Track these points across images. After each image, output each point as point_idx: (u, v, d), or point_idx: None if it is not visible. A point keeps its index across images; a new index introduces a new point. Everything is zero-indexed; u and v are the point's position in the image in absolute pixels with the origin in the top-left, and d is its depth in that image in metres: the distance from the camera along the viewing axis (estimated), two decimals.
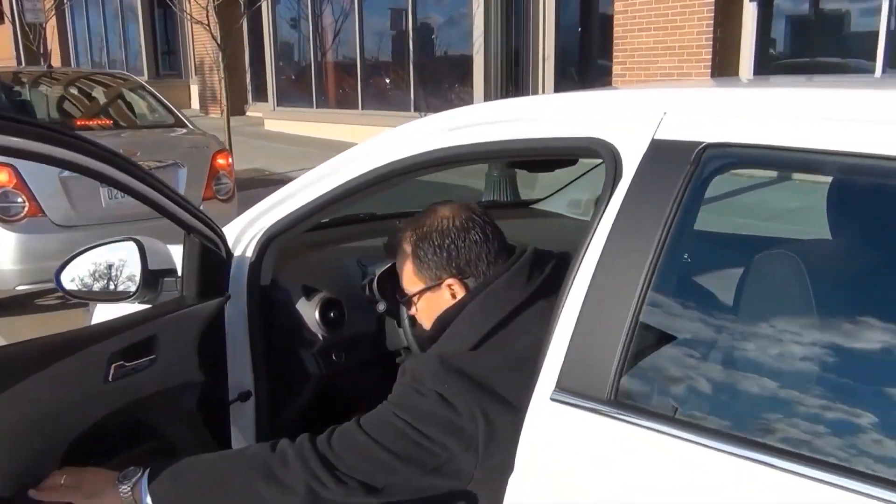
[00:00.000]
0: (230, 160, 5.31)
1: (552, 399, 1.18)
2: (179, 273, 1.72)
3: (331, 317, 1.95)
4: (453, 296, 1.47)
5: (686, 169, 1.13)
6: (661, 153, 1.17)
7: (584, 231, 1.23)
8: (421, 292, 1.52)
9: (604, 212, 1.20)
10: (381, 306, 1.96)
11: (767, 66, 8.60)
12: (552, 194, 3.02)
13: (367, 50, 13.09)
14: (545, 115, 1.37)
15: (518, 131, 1.39)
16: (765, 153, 1.09)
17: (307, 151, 11.32)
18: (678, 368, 1.15)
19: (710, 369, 1.15)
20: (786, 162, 1.15)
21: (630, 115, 1.24)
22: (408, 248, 1.52)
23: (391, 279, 2.06)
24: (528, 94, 5.36)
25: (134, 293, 1.69)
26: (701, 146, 1.13)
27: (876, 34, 7.61)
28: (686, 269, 1.22)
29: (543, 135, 1.35)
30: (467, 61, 11.11)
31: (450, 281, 1.48)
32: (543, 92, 10.29)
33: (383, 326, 2.05)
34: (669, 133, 1.17)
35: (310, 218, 1.78)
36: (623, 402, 1.12)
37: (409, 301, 1.57)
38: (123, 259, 1.66)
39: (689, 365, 1.15)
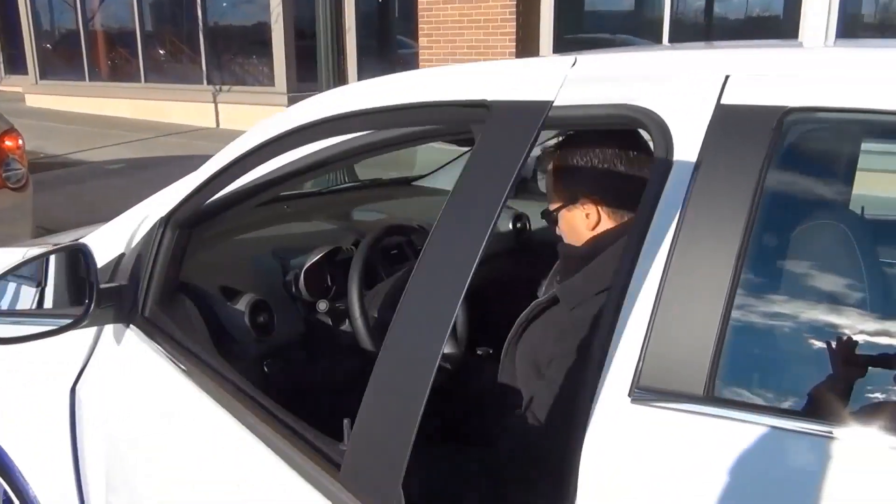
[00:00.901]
0: (20, 142, 4.54)
1: (634, 400, 1.04)
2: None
3: (260, 322, 1.66)
4: (593, 217, 1.40)
5: (768, 138, 1.03)
6: (731, 121, 1.05)
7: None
8: (558, 209, 1.46)
9: (660, 192, 1.06)
10: (323, 305, 1.71)
11: (564, 40, 9.01)
12: (436, 170, 2.87)
13: (148, 14, 11.96)
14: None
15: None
16: (860, 118, 1.01)
17: (87, 130, 10.15)
18: (777, 359, 1.07)
19: (813, 357, 1.07)
20: (886, 128, 1.08)
21: (680, 78, 1.12)
22: (554, 163, 1.46)
23: (321, 272, 1.80)
24: (324, 67, 5.04)
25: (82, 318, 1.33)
26: (784, 111, 1.03)
27: (662, 17, 8.23)
28: (779, 250, 1.13)
29: (567, 103, 1.19)
30: (265, 30, 10.51)
31: (588, 204, 1.41)
32: (344, 66, 10.02)
33: (316, 328, 1.79)
34: (739, 97, 1.06)
35: (242, 203, 1.49)
36: (722, 398, 1.01)
37: (552, 216, 1.50)
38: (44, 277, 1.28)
39: (789, 354, 1.07)
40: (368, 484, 1.01)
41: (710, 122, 1.06)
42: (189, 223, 1.50)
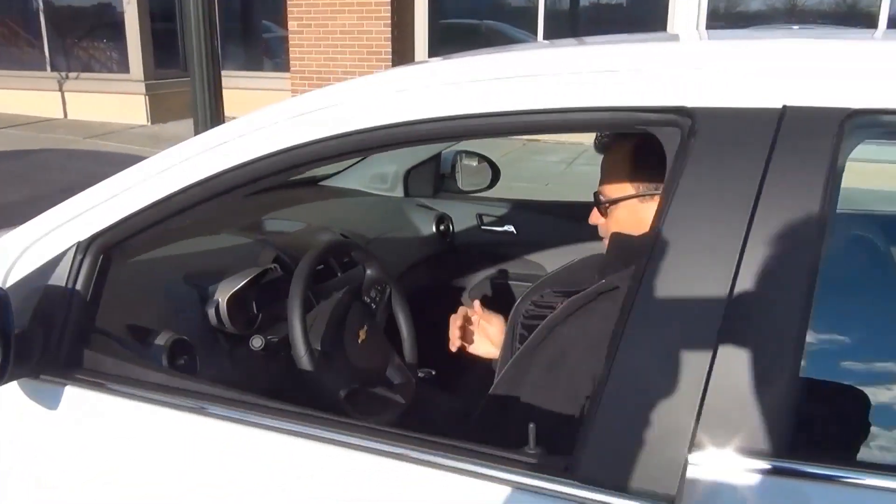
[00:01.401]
0: None
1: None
2: None
3: (180, 364, 1.38)
4: None
5: (830, 144, 0.88)
6: (788, 124, 0.90)
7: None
8: (627, 198, 1.28)
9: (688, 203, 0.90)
10: (257, 342, 1.44)
11: (439, 25, 8.86)
12: (345, 169, 2.62)
13: None
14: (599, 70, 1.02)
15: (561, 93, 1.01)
16: None
17: None
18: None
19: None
20: None
21: (722, 74, 0.95)
22: (629, 146, 1.27)
23: (245, 299, 1.53)
24: (196, 53, 4.55)
25: None
26: (846, 113, 0.89)
27: (536, 5, 8.24)
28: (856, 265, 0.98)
29: (605, 103, 1.00)
30: (117, 14, 9.67)
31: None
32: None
33: (246, 366, 1.52)
34: (794, 97, 0.91)
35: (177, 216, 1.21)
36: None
37: (602, 205, 1.32)
38: None
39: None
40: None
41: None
42: (117, 247, 1.22)
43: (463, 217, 2.51)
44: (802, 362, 0.85)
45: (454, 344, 1.60)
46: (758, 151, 0.90)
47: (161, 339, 1.36)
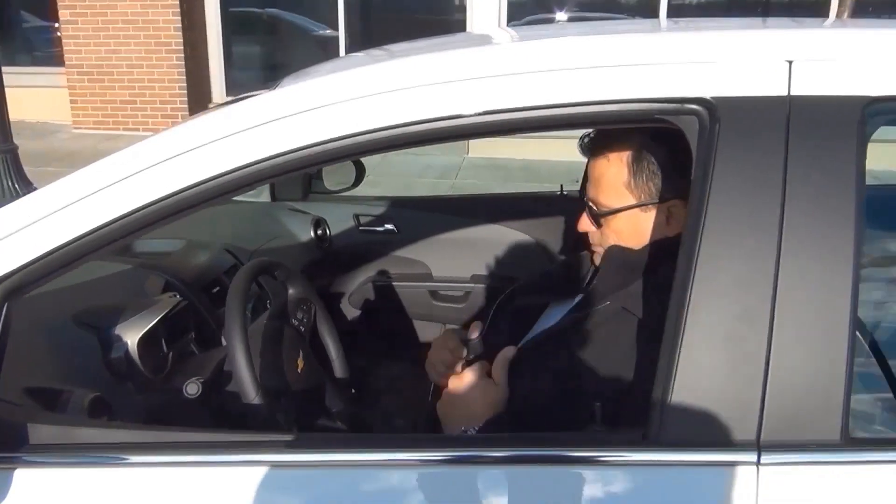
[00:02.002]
0: None
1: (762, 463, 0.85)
2: None
3: None
4: (673, 220, 1.16)
5: (854, 133, 0.90)
6: (810, 115, 0.90)
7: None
8: (627, 208, 1.18)
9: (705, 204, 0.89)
10: (193, 388, 1.23)
11: (230, 14, 8.39)
12: None
13: None
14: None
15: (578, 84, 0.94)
16: None
17: None
18: None
19: None
20: None
21: (734, 66, 0.93)
22: (628, 150, 1.16)
23: (158, 337, 1.32)
24: None
25: None
26: (866, 101, 0.90)
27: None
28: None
29: (613, 95, 0.94)
30: None
31: (675, 202, 1.15)
32: None
33: (169, 415, 1.30)
34: (810, 87, 0.91)
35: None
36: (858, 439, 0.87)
37: (599, 216, 1.21)
38: None
39: None
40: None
41: (787, 116, 0.90)
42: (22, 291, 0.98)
43: (339, 219, 2.36)
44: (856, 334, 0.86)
45: (439, 376, 1.36)
46: (779, 136, 0.89)
47: (73, 400, 1.12)
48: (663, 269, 1.08)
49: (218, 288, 1.67)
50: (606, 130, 1.21)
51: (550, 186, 2.47)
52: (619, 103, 0.95)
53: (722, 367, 0.88)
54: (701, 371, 0.88)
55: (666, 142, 1.11)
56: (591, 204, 1.23)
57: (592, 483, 0.89)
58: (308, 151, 0.95)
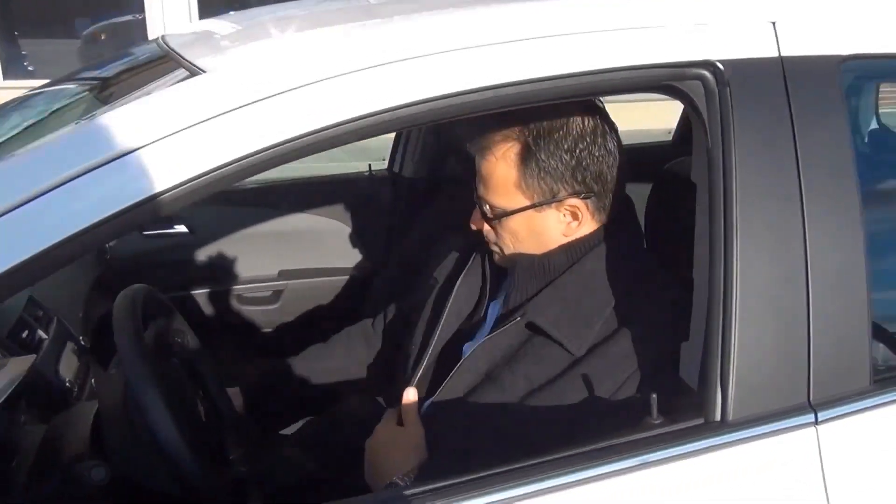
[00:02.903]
0: None
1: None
2: None
3: None
4: (573, 220, 1.08)
5: (834, 89, 0.93)
6: (797, 74, 0.92)
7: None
8: (522, 210, 1.07)
9: (728, 173, 0.88)
10: (100, 473, 0.90)
11: None
12: None
13: None
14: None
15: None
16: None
17: None
18: None
19: None
20: None
21: (721, 28, 0.91)
22: (515, 148, 1.06)
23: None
24: None
25: None
26: (839, 59, 0.94)
27: None
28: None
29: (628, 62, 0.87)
30: None
31: (573, 201, 1.06)
32: None
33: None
34: (795, 48, 0.93)
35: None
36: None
37: (493, 219, 1.11)
38: None
39: None
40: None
41: (781, 76, 0.91)
42: None
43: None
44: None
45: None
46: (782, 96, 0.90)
47: None
48: (572, 274, 1.06)
49: (27, 331, 1.28)
50: (491, 127, 1.09)
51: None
52: (627, 70, 0.88)
53: (771, 337, 0.86)
54: (754, 344, 0.86)
55: (555, 137, 1.05)
56: (482, 202, 1.12)
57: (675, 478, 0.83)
58: None
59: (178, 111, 0.76)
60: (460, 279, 1.23)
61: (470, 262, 1.24)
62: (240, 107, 0.76)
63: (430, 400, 1.12)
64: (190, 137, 0.75)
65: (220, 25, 1.22)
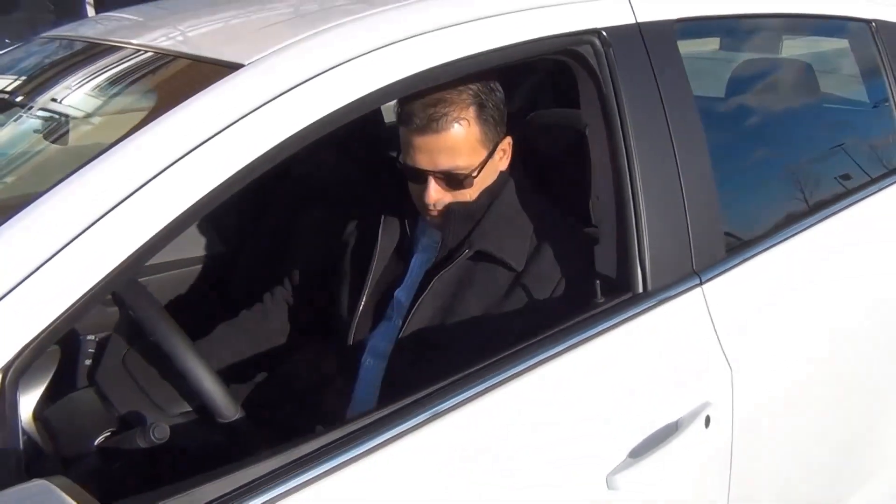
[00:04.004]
0: None
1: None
2: None
3: None
4: (504, 156, 1.33)
5: (672, 42, 1.28)
6: (649, 33, 1.25)
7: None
8: (488, 159, 1.28)
9: (622, 111, 1.19)
10: (161, 431, 1.00)
11: None
12: None
13: None
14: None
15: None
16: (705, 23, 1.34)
17: None
18: None
19: None
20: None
21: (599, 5, 1.21)
22: (473, 107, 1.23)
23: None
24: None
25: None
26: (673, 21, 1.29)
27: None
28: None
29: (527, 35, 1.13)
30: None
31: (507, 139, 1.32)
32: None
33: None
34: (645, 16, 1.25)
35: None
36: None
37: (463, 181, 1.26)
38: None
39: None
40: None
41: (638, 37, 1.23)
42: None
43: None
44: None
45: None
46: (643, 54, 1.23)
47: None
48: (499, 202, 1.30)
49: None
50: (446, 102, 1.22)
51: None
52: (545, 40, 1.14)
53: (666, 229, 1.19)
54: (656, 235, 1.18)
55: (492, 86, 1.28)
56: (448, 173, 1.26)
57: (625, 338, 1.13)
58: None
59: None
60: (379, 239, 1.40)
61: (382, 225, 1.42)
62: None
63: (398, 336, 1.30)
64: (239, 128, 0.88)
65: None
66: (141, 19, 1.44)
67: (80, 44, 1.37)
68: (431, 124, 1.22)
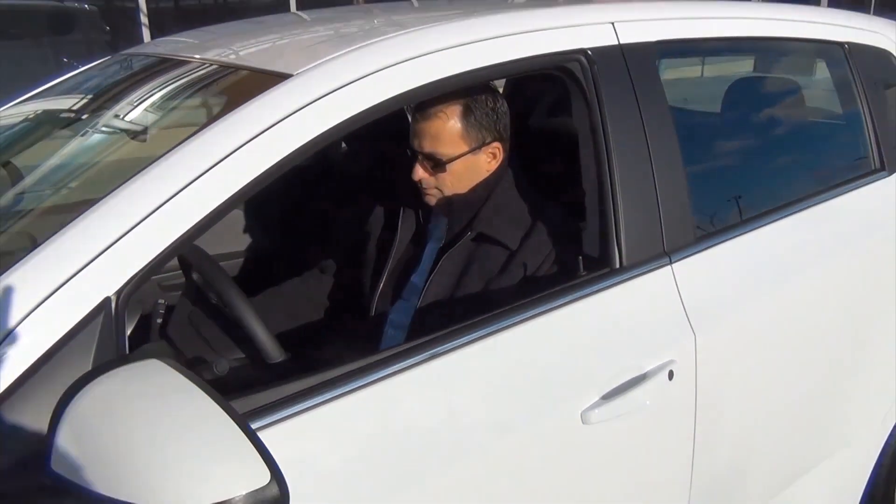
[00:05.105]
0: None
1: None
2: None
3: None
4: (493, 159, 1.58)
5: (652, 62, 1.52)
6: (630, 53, 1.48)
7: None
8: (465, 154, 1.53)
9: (604, 118, 1.43)
10: (223, 366, 1.26)
11: None
12: None
13: None
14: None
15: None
16: (684, 45, 1.57)
17: None
18: None
19: None
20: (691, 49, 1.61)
21: (586, 29, 1.45)
22: (458, 109, 1.52)
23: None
24: None
25: None
26: (652, 43, 1.52)
27: None
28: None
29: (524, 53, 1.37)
30: None
31: (495, 144, 1.57)
32: None
33: None
34: (627, 38, 1.49)
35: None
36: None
37: (442, 163, 1.53)
38: None
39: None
40: None
41: (620, 57, 1.47)
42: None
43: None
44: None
45: None
46: (624, 69, 1.46)
47: None
48: (496, 194, 1.56)
49: None
50: (440, 100, 1.49)
51: None
52: (540, 57, 1.39)
53: (640, 214, 1.42)
54: (632, 219, 1.41)
55: (484, 98, 1.55)
56: (430, 155, 1.54)
57: (604, 305, 1.36)
58: None
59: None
60: (399, 230, 1.68)
61: (402, 215, 1.70)
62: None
63: (416, 307, 1.55)
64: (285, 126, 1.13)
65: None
66: (206, 40, 1.73)
67: (156, 59, 1.65)
68: (424, 113, 1.53)
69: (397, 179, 1.73)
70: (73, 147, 1.59)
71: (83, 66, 1.81)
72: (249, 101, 1.12)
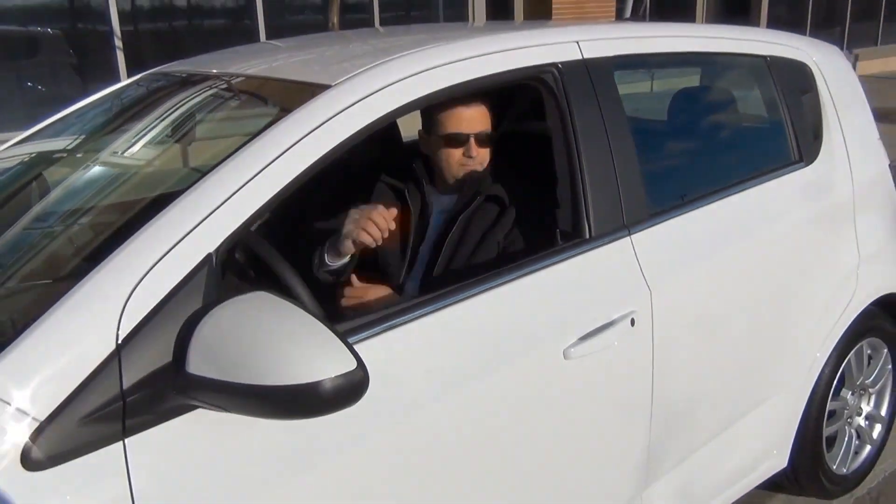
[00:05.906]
0: None
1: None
2: None
3: None
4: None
5: (610, 74, 1.87)
6: (592, 67, 1.83)
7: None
8: (493, 133, 1.96)
9: (573, 119, 1.78)
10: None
11: None
12: None
13: None
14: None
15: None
16: (636, 59, 1.93)
17: None
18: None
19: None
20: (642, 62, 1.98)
21: (556, 47, 1.80)
22: (482, 97, 1.92)
23: None
24: None
25: None
26: (610, 58, 1.88)
27: None
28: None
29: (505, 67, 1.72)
30: None
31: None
32: None
33: None
34: (589, 54, 1.84)
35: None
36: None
37: (487, 141, 1.94)
38: None
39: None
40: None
41: (583, 70, 1.82)
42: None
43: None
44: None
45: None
46: (587, 81, 1.81)
47: None
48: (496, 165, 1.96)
49: None
50: (480, 91, 1.87)
51: None
52: (523, 69, 1.73)
53: (603, 195, 1.76)
54: (598, 198, 1.75)
55: (487, 94, 1.92)
56: (482, 134, 1.94)
57: (577, 269, 1.70)
58: None
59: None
60: (410, 205, 2.03)
61: (408, 197, 2.03)
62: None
63: (437, 265, 1.88)
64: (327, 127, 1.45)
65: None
66: (252, 55, 2.04)
67: (202, 75, 1.96)
68: (466, 103, 1.91)
69: (401, 168, 2.06)
70: (171, 150, 1.90)
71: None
72: (302, 105, 1.43)
